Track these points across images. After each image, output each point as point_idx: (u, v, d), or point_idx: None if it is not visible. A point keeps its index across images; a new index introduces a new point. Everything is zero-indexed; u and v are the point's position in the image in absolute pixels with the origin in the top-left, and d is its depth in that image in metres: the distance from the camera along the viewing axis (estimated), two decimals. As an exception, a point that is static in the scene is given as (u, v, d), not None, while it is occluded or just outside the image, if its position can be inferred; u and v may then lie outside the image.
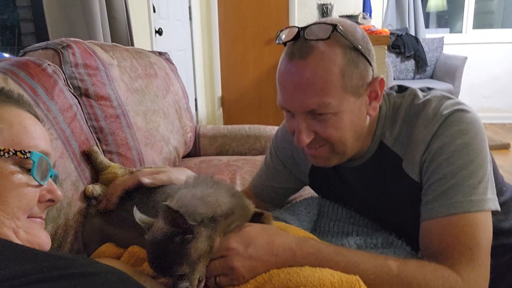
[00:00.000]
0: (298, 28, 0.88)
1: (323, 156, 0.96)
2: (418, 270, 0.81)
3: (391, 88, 1.05)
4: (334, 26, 0.85)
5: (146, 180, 0.99)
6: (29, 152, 0.68)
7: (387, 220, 1.07)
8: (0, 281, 0.49)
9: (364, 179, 1.05)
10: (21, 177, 0.67)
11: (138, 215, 0.79)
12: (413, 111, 0.95)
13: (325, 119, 0.88)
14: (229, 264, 0.79)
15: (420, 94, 0.98)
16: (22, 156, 0.68)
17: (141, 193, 0.99)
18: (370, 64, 0.90)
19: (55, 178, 0.80)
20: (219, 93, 4.82)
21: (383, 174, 1.00)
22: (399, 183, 0.97)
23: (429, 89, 1.01)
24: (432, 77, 4.98)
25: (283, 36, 0.91)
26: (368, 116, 0.95)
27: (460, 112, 0.89)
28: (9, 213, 0.65)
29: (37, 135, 0.73)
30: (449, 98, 0.94)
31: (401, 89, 1.03)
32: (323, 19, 0.91)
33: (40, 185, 0.71)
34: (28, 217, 0.69)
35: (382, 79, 0.92)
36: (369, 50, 0.91)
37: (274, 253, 0.81)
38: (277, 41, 0.92)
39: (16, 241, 0.65)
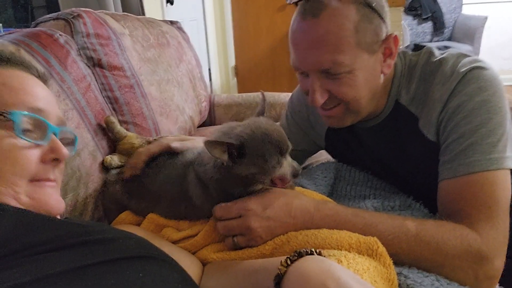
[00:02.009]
0: None
1: (337, 116, 0.96)
2: (436, 229, 0.81)
3: (407, 47, 1.03)
4: None
5: (175, 144, 0.99)
6: (8, 112, 0.63)
7: (404, 181, 1.06)
8: (21, 249, 0.50)
9: (380, 140, 1.04)
10: (10, 141, 0.63)
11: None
12: (429, 69, 0.94)
13: (339, 77, 0.87)
14: (247, 224, 0.80)
15: (437, 52, 0.96)
16: (2, 117, 0.63)
17: (158, 161, 0.99)
18: (384, 21, 0.89)
19: (64, 134, 0.75)
20: (232, 62, 4.78)
21: (398, 134, 0.99)
22: (414, 143, 0.96)
23: (446, 47, 0.99)
24: (450, 39, 4.83)
25: None
26: (382, 74, 0.93)
27: (478, 69, 0.87)
28: (5, 180, 0.62)
29: (25, 92, 0.68)
30: (466, 55, 0.92)
31: (417, 47, 1.01)
32: None
33: (38, 145, 0.66)
34: (33, 181, 0.65)
35: (396, 36, 0.90)
36: (382, 6, 0.89)
37: (292, 215, 0.82)
38: (288, 1, 0.91)
39: (19, 207, 0.62)
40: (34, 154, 0.65)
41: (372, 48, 0.88)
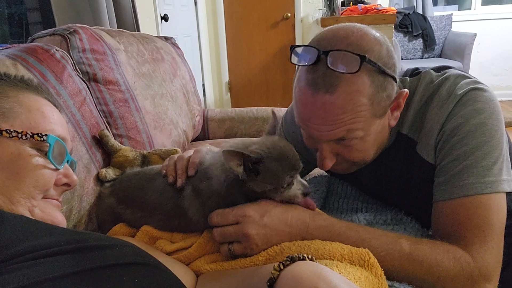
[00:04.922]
0: (318, 50, 0.80)
1: (342, 169, 0.95)
2: (430, 250, 0.81)
3: (405, 74, 1.00)
4: (363, 58, 0.77)
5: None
6: (46, 135, 0.71)
7: (397, 201, 1.07)
8: (20, 254, 0.51)
9: (377, 166, 1.02)
10: (38, 160, 0.70)
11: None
12: (428, 93, 0.92)
13: (350, 144, 0.86)
14: (244, 231, 0.80)
15: (434, 75, 0.94)
16: (39, 138, 0.70)
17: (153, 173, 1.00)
18: (395, 80, 0.85)
19: (72, 164, 0.82)
20: (226, 78, 4.82)
21: (396, 159, 0.99)
22: (412, 167, 0.95)
23: (445, 67, 0.97)
24: (440, 55, 4.91)
25: (300, 56, 0.84)
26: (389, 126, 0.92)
27: (475, 90, 0.86)
28: (26, 193, 0.67)
29: (54, 121, 0.76)
30: (465, 77, 0.91)
31: (414, 72, 0.99)
32: (344, 35, 0.82)
33: (57, 169, 0.73)
34: (44, 198, 0.71)
35: (406, 93, 0.88)
36: (393, 65, 0.84)
37: (288, 224, 0.83)
38: (292, 61, 0.86)
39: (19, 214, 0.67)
40: (53, 176, 0.73)
41: (384, 112, 0.86)
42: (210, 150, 0.98)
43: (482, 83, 0.89)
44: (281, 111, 2.14)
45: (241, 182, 0.82)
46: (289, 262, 0.60)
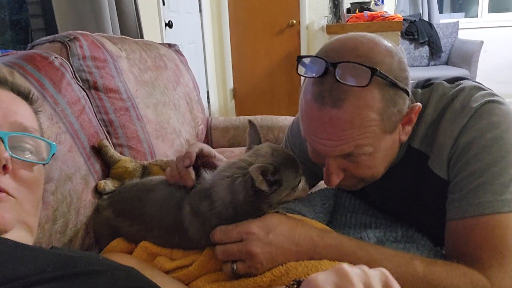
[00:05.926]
0: (326, 62, 0.76)
1: (350, 185, 0.91)
2: (445, 273, 0.76)
3: (416, 86, 0.95)
4: (374, 71, 0.73)
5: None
6: None
7: (406, 217, 1.03)
8: (4, 283, 0.46)
9: (386, 180, 0.97)
10: None
11: None
12: (440, 106, 0.88)
13: (358, 160, 0.81)
14: (248, 249, 0.76)
15: (448, 87, 0.90)
16: None
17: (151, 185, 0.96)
18: (408, 93, 0.80)
19: (32, 142, 0.71)
20: (231, 85, 4.81)
21: (406, 174, 0.94)
22: (423, 181, 0.91)
23: (459, 78, 0.93)
24: (447, 63, 4.87)
25: (307, 67, 0.81)
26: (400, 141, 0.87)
27: (491, 103, 0.82)
28: None
29: None
30: (480, 88, 0.87)
31: (426, 83, 0.94)
32: (353, 46, 0.78)
33: None
34: None
35: (419, 108, 0.83)
36: (405, 78, 0.79)
37: (295, 242, 0.78)
38: (298, 72, 0.82)
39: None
40: None
41: (395, 127, 0.81)
42: (208, 146, 0.98)
43: (498, 96, 0.86)
44: (286, 119, 2.10)
45: (255, 200, 0.78)
46: (296, 286, 0.56)
